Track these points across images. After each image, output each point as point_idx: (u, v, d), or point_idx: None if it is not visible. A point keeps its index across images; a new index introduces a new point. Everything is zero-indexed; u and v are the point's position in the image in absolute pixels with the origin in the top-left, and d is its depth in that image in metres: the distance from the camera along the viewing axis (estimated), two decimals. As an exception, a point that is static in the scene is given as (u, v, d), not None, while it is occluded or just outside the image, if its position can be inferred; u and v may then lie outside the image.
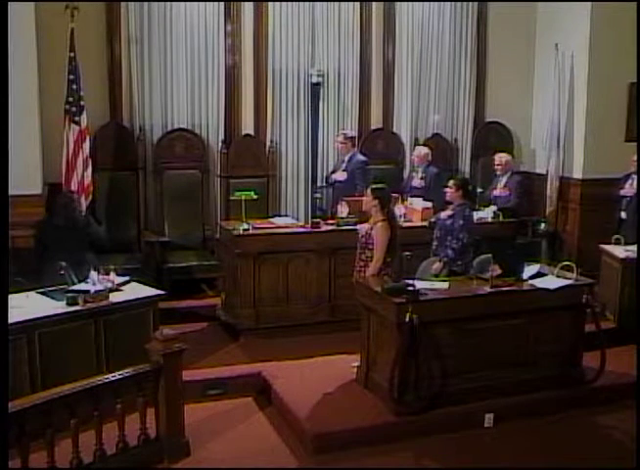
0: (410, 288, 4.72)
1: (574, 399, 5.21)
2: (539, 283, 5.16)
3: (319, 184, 7.54)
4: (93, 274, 4.95)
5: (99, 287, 4.87)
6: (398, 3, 7.89)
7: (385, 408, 4.80)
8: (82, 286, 4.87)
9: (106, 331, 4.78)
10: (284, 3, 7.45)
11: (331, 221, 6.46)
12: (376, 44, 7.91)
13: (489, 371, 5.00)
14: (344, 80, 7.80)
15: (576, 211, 7.89)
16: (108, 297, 4.86)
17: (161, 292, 5.16)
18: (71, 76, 6.24)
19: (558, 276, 5.27)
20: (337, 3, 7.64)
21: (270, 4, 7.41)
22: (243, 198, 6.15)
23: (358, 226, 5.64)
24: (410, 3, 7.92)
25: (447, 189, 5.86)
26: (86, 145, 6.35)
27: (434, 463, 4.49)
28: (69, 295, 4.73)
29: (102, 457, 4.05)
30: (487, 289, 5.02)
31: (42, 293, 4.93)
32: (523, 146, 8.56)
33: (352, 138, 7.22)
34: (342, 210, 6.43)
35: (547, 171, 8.07)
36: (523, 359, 5.12)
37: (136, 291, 5.11)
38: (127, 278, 5.23)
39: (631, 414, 4.87)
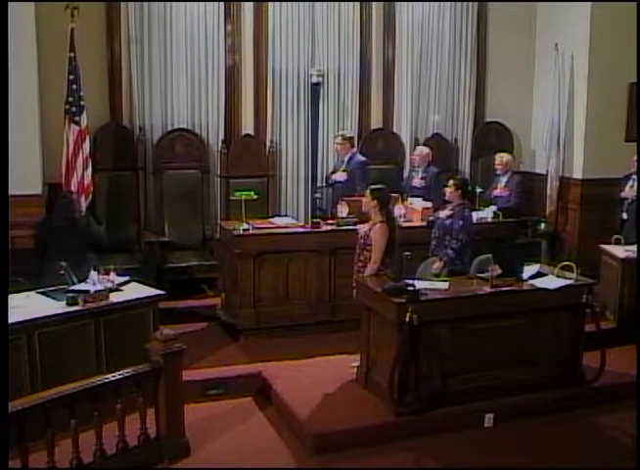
0: (410, 288, 4.73)
1: (574, 399, 5.21)
2: (539, 283, 5.16)
3: (319, 184, 7.54)
4: (93, 274, 4.96)
5: (99, 287, 4.87)
6: (398, 3, 7.90)
7: (385, 408, 4.80)
8: (82, 286, 4.86)
9: (106, 331, 4.78)
10: (284, 3, 7.45)
11: (331, 221, 6.46)
12: (376, 44, 7.91)
13: (489, 371, 5.00)
14: (344, 80, 7.80)
15: (576, 211, 7.89)
16: (108, 297, 4.86)
17: (161, 292, 5.16)
18: (71, 76, 6.24)
19: (558, 276, 5.27)
20: (337, 3, 7.64)
21: (270, 4, 7.42)
22: (243, 198, 6.14)
23: (358, 227, 5.65)
24: (410, 3, 7.92)
25: (446, 189, 5.87)
26: (86, 145, 6.35)
27: (435, 463, 4.49)
28: (69, 295, 4.73)
29: (102, 457, 4.04)
30: (487, 289, 5.02)
31: (42, 293, 4.93)
32: (523, 146, 8.56)
33: (351, 138, 7.21)
34: (342, 210, 6.43)
35: (547, 171, 8.07)
36: (523, 359, 5.12)
37: (136, 291, 5.11)
38: (127, 278, 5.23)
39: (631, 414, 4.86)
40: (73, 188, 6.23)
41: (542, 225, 7.94)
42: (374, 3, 7.81)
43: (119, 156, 7.01)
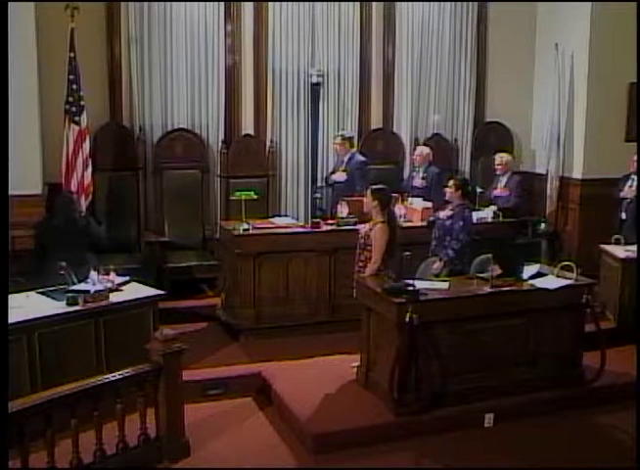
0: (410, 288, 4.73)
1: (574, 399, 5.21)
2: (539, 283, 5.16)
3: (319, 184, 7.55)
4: (93, 274, 4.95)
5: (99, 287, 4.87)
6: (398, 3, 7.90)
7: (385, 408, 4.80)
8: (82, 286, 4.87)
9: (106, 331, 4.78)
10: (284, 3, 7.45)
11: (331, 221, 6.46)
12: (376, 44, 7.91)
13: (489, 371, 5.00)
14: (344, 80, 7.80)
15: (576, 211, 7.89)
16: (108, 297, 4.86)
17: (161, 292, 5.16)
18: (71, 76, 6.24)
19: (558, 276, 5.27)
20: (337, 3, 7.65)
21: (270, 4, 7.42)
22: (243, 198, 6.14)
23: (358, 226, 5.65)
24: (410, 3, 7.92)
25: (447, 189, 5.88)
26: (86, 145, 6.36)
27: (435, 463, 4.49)
28: (69, 295, 4.73)
29: (102, 457, 4.04)
30: (487, 289, 5.02)
31: (42, 293, 4.93)
32: (523, 146, 8.57)
33: (351, 138, 7.21)
34: (342, 210, 6.43)
35: (547, 171, 8.07)
36: (523, 359, 5.12)
37: (136, 291, 5.11)
38: (127, 278, 5.23)
39: (631, 414, 4.86)
40: (73, 188, 6.24)
41: (542, 225, 7.94)
42: (374, 3, 7.81)
43: (119, 156, 7.01)
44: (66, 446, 3.90)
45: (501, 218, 6.90)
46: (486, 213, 6.92)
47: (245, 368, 5.49)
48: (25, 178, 5.96)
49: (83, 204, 6.27)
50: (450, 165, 8.13)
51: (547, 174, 8.07)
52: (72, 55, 6.22)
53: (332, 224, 6.40)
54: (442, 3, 8.05)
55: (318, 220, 6.42)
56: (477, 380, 4.95)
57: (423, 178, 7.34)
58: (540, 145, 8.28)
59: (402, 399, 4.75)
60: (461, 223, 5.71)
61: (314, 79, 7.53)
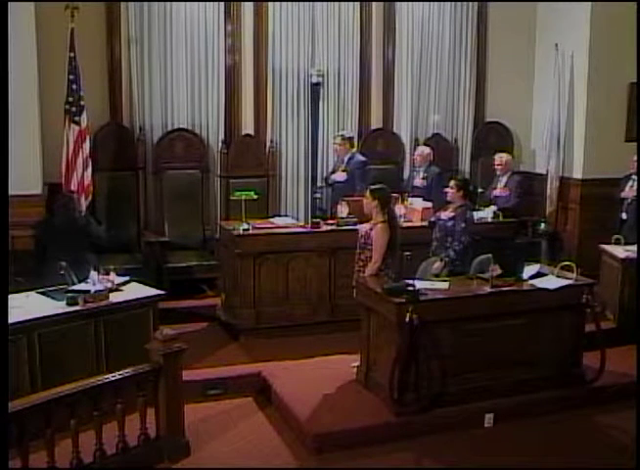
0: (410, 288, 4.72)
1: (574, 399, 5.21)
2: (539, 283, 5.16)
3: (319, 184, 7.55)
4: (93, 274, 4.95)
5: (99, 287, 4.87)
6: (398, 3, 7.90)
7: (385, 408, 4.80)
8: (82, 286, 4.86)
9: (106, 331, 4.78)
10: (284, 3, 7.45)
11: (331, 221, 6.46)
12: (376, 44, 7.92)
13: (489, 371, 5.00)
14: (344, 80, 7.81)
15: (576, 211, 7.89)
16: (108, 297, 4.86)
17: (161, 292, 5.15)
18: (71, 76, 6.25)
19: (558, 276, 5.27)
20: (337, 3, 7.65)
21: (270, 4, 7.42)
22: (243, 198, 6.15)
23: (359, 226, 5.65)
24: (410, 3, 7.93)
25: (448, 189, 5.87)
26: (86, 145, 6.36)
27: (435, 463, 4.49)
28: (69, 295, 4.73)
29: (102, 457, 4.04)
30: (487, 289, 5.01)
31: (42, 293, 4.92)
32: (523, 146, 8.57)
33: (351, 139, 7.21)
34: (342, 210, 6.43)
35: (547, 171, 8.07)
36: (523, 359, 5.12)
37: (136, 291, 5.10)
38: (127, 278, 5.23)
39: (631, 414, 4.86)
40: (73, 188, 6.24)
41: (542, 225, 7.95)
42: (374, 3, 7.81)
43: (119, 156, 7.02)
44: (66, 446, 3.90)
45: (501, 218, 6.90)
46: (486, 214, 6.92)
47: (245, 368, 5.49)
48: (25, 178, 5.95)
49: (83, 204, 6.28)
50: (450, 165, 8.13)
51: (547, 174, 8.07)
52: (72, 55, 6.22)
53: (332, 224, 6.40)
54: (442, 3, 8.06)
55: (318, 220, 6.42)
56: (477, 380, 4.95)
57: (423, 178, 7.35)
58: (540, 145, 8.28)
59: (402, 400, 4.75)
60: (463, 225, 5.70)
61: (314, 79, 7.53)
